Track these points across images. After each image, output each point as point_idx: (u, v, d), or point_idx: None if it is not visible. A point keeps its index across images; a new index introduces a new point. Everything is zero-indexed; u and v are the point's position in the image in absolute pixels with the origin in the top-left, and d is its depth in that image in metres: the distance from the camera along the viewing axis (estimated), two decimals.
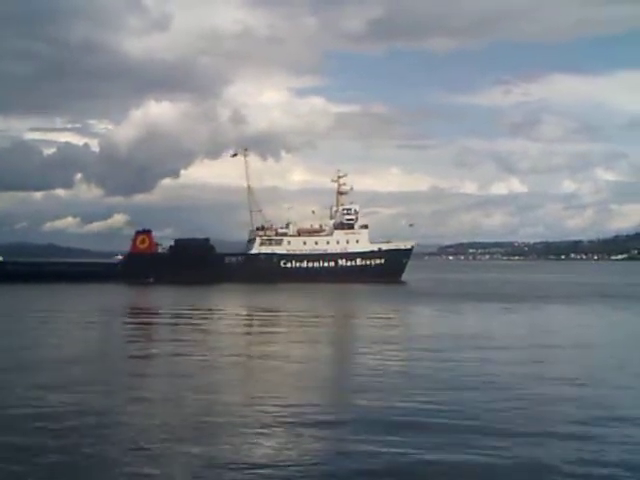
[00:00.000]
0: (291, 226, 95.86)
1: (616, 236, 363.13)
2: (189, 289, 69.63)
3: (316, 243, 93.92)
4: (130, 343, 28.74)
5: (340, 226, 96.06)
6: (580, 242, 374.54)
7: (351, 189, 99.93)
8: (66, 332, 32.75)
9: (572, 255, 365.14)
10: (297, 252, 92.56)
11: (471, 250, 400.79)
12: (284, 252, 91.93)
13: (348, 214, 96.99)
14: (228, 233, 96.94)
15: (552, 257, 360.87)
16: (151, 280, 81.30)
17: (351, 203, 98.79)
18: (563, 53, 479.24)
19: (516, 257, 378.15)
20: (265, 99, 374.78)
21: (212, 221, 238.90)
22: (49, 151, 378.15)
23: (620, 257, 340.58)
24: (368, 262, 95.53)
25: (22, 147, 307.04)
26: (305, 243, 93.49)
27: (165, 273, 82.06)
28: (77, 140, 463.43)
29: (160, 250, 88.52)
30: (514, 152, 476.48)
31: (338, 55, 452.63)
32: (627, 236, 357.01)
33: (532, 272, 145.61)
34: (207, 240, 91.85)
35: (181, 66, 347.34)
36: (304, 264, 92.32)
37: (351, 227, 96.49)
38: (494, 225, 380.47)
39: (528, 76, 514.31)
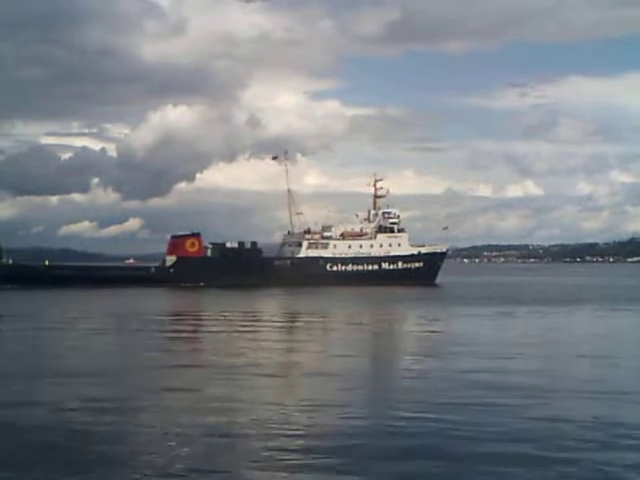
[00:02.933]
0: (333, 229, 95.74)
1: (632, 238, 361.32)
2: (244, 294, 68.66)
3: (360, 246, 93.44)
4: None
5: (383, 229, 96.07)
6: (596, 244, 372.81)
7: (387, 192, 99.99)
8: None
9: (587, 258, 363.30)
10: (343, 255, 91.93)
11: (485, 253, 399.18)
12: (330, 255, 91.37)
13: (390, 217, 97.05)
14: (245, 236, 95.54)
15: (567, 260, 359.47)
16: (202, 284, 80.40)
17: (387, 207, 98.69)
18: (579, 55, 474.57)
19: (531, 260, 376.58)
20: (281, 102, 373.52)
21: (228, 225, 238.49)
22: (66, 156, 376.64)
23: (636, 259, 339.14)
24: (409, 265, 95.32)
25: (39, 152, 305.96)
26: (350, 247, 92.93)
27: (215, 277, 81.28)
28: (94, 145, 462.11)
29: (209, 254, 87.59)
30: (529, 154, 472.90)
31: (354, 58, 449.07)
32: None
33: (553, 275, 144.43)
34: (255, 244, 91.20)
35: (197, 70, 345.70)
36: (349, 267, 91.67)
37: (392, 230, 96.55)
38: (509, 228, 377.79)
39: (544, 78, 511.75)
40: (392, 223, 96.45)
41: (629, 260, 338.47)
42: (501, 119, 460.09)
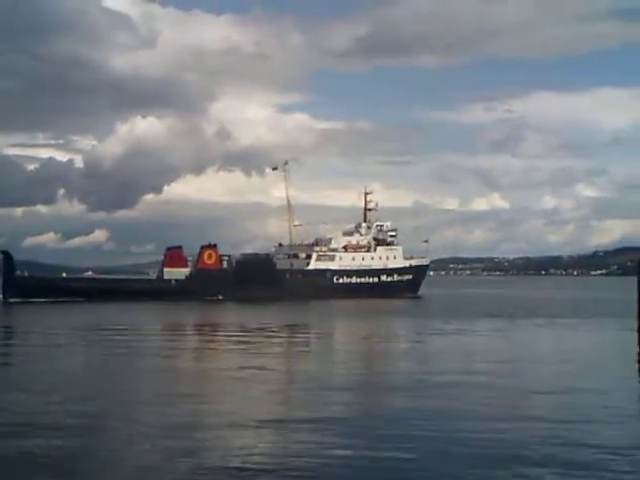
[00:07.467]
0: (333, 241, 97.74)
1: (595, 251, 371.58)
2: (274, 308, 68.73)
3: (363, 259, 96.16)
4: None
5: (381, 242, 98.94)
6: (560, 257, 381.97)
7: (376, 205, 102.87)
8: None
9: (552, 270, 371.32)
10: (347, 268, 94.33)
11: (452, 265, 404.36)
12: (337, 268, 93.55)
13: (387, 230, 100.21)
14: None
15: (532, 272, 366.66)
16: (220, 297, 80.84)
17: (377, 220, 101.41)
18: (545, 70, 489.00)
19: (496, 272, 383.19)
20: (250, 115, 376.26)
21: (196, 237, 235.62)
22: (31, 167, 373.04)
23: (599, 272, 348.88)
24: (402, 277, 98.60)
25: (4, 163, 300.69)
26: (354, 259, 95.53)
27: (233, 290, 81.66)
28: (61, 156, 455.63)
29: (226, 266, 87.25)
30: (496, 168, 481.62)
31: (324, 72, 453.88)
32: (606, 252, 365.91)
33: (523, 288, 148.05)
34: (268, 255, 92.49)
35: (167, 82, 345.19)
36: (353, 279, 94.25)
37: (388, 243, 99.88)
38: (475, 241, 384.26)
39: (510, 93, 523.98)
40: (391, 236, 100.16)
41: (592, 273, 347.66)
42: (468, 133, 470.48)
